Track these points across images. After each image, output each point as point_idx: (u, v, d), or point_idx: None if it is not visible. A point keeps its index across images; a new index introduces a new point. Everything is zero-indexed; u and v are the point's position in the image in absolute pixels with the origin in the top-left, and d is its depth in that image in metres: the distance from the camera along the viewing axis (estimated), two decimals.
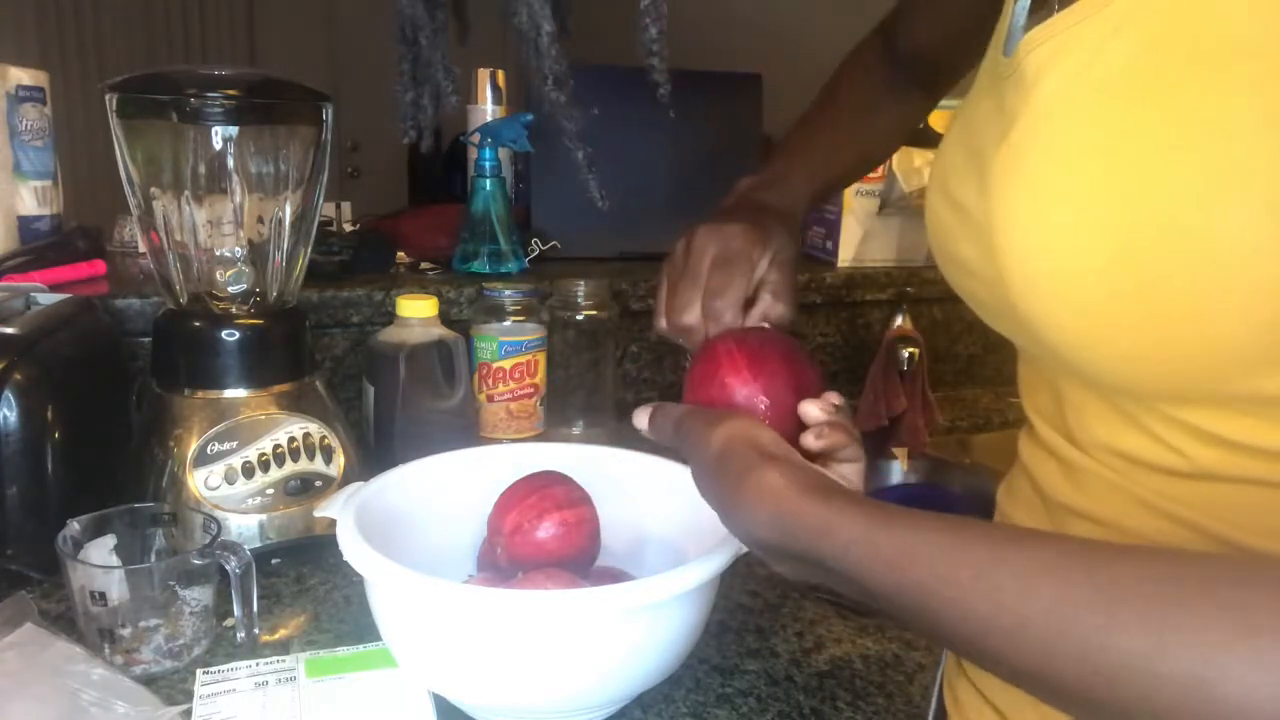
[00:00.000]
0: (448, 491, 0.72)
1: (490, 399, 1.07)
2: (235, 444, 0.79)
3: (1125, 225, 0.37)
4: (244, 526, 0.78)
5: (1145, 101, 0.37)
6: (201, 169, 0.80)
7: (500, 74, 1.42)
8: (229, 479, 0.78)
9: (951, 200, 0.49)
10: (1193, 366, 0.37)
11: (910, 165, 1.28)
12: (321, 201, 0.88)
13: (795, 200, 0.71)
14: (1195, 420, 0.39)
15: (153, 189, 0.82)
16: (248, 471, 0.79)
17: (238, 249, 0.84)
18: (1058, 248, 0.39)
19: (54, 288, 0.95)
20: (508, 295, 1.07)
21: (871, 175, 1.30)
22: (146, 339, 0.92)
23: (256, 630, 0.68)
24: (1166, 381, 0.39)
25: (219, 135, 0.79)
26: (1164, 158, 0.36)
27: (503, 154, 1.27)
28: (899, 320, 1.22)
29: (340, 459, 0.83)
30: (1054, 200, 0.39)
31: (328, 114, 0.84)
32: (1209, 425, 0.39)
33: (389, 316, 1.05)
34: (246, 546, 0.68)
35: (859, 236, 1.36)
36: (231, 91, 0.78)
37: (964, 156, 0.48)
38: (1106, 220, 0.37)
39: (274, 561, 0.80)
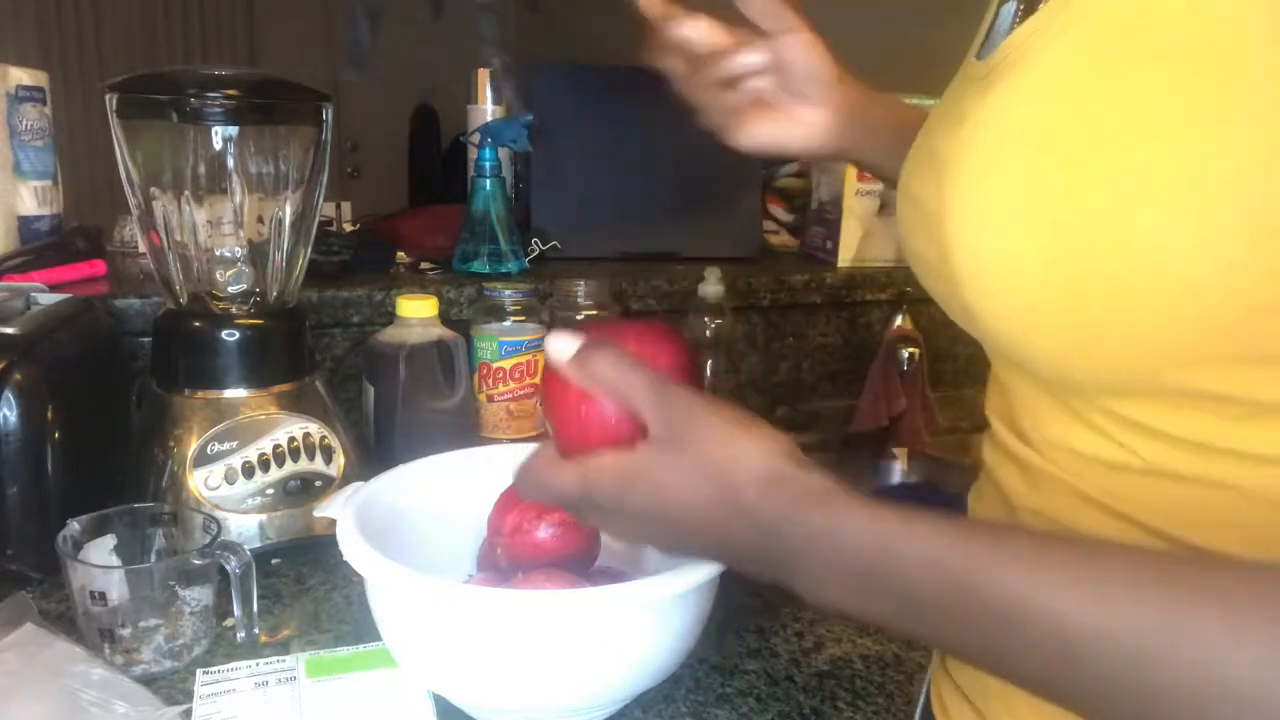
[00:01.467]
0: (448, 491, 0.72)
1: (490, 399, 1.07)
2: (235, 444, 0.79)
3: (1056, 220, 0.38)
4: (244, 526, 0.78)
5: (1075, 101, 0.38)
6: (201, 169, 0.80)
7: None
8: (229, 479, 0.78)
9: (912, 197, 0.50)
10: (1123, 361, 0.38)
11: None
12: (321, 201, 0.88)
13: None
14: (1136, 414, 0.40)
15: (153, 189, 0.82)
16: (248, 471, 0.79)
17: (238, 249, 0.84)
18: (997, 241, 0.40)
19: (54, 288, 0.95)
20: (508, 295, 1.07)
21: (870, 175, 1.30)
22: (146, 339, 0.92)
23: (256, 630, 0.68)
24: (1101, 374, 0.39)
25: (219, 135, 0.79)
26: (1089, 155, 0.37)
27: (503, 154, 1.27)
28: (899, 320, 1.22)
29: (340, 459, 0.83)
30: (994, 194, 0.40)
31: (328, 114, 0.84)
32: (1149, 419, 0.40)
33: (389, 316, 1.05)
34: (246, 546, 0.67)
35: (859, 236, 1.36)
36: (231, 91, 0.78)
37: (925, 155, 0.50)
38: (1040, 214, 0.38)
39: (274, 561, 0.80)
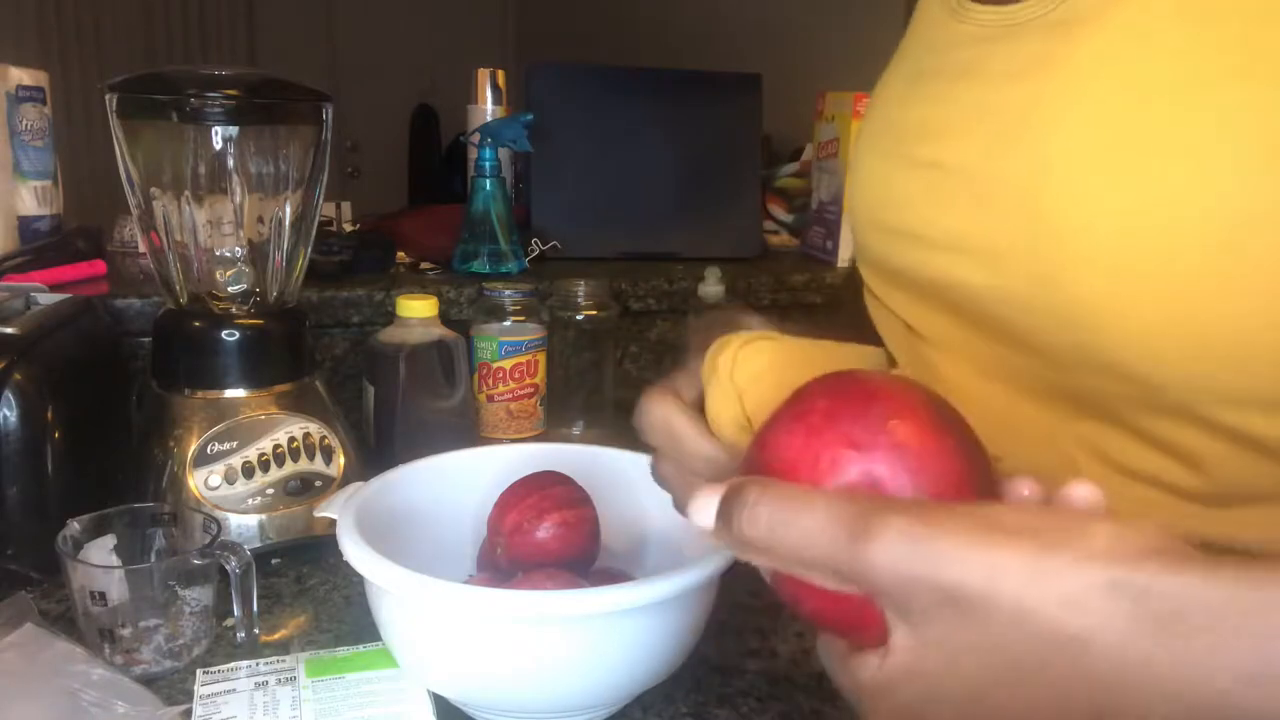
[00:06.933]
0: (448, 491, 0.72)
1: (490, 399, 1.07)
2: (235, 444, 0.79)
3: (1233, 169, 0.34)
4: (244, 526, 0.78)
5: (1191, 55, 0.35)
6: (201, 169, 0.80)
7: (500, 74, 1.43)
8: (229, 479, 0.78)
9: (919, 162, 0.44)
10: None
11: None
12: (321, 201, 0.88)
13: None
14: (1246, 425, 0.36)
15: (153, 189, 0.82)
16: (248, 471, 0.79)
17: (238, 249, 0.84)
18: (1133, 203, 0.35)
19: (54, 288, 0.95)
20: (508, 295, 1.07)
21: None
22: (146, 339, 0.92)
23: (256, 630, 0.68)
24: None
25: (219, 135, 0.79)
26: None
27: (503, 154, 1.27)
28: None
29: (340, 459, 0.83)
30: (1131, 147, 0.35)
31: (328, 114, 0.84)
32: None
33: (389, 316, 1.05)
34: (246, 546, 0.67)
35: None
36: (231, 91, 0.78)
37: (949, 111, 0.43)
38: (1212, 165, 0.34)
39: (274, 561, 0.80)
